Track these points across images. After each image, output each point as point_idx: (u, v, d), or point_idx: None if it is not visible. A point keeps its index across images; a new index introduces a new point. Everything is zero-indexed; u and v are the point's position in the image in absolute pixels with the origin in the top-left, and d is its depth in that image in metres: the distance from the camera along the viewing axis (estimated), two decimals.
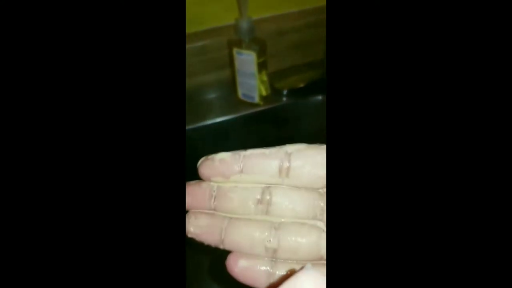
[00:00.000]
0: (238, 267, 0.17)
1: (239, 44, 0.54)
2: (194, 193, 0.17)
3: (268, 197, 0.17)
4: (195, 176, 0.18)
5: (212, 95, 0.62)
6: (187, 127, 0.56)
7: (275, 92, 0.60)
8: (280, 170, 0.17)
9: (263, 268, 0.17)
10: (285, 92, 0.59)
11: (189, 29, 0.58)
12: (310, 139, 0.18)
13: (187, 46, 0.57)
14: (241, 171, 0.17)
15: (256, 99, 0.58)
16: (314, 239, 0.16)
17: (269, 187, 0.17)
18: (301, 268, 0.14)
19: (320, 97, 0.59)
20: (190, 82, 0.61)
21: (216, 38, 0.58)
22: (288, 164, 0.16)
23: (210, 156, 0.17)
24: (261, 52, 0.54)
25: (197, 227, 0.17)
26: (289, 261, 0.17)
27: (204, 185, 0.17)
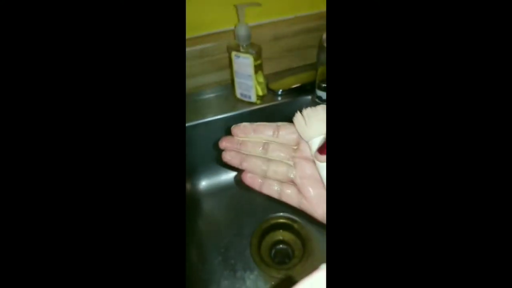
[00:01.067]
0: (247, 177, 0.31)
1: (237, 48, 0.57)
2: (229, 141, 0.31)
3: (267, 146, 0.31)
4: (201, 162, 0.22)
5: (212, 95, 0.66)
6: (189, 124, 0.60)
7: (271, 92, 0.64)
8: (273, 134, 0.31)
9: (260, 180, 0.31)
10: (280, 92, 0.64)
11: (192, 33, 0.61)
12: None
13: (189, 49, 0.61)
14: (253, 132, 0.31)
15: (253, 98, 0.61)
16: (286, 169, 0.30)
17: (267, 142, 0.31)
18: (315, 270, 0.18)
19: (309, 97, 0.64)
20: (192, 82, 0.64)
21: (216, 42, 0.61)
22: (277, 132, 0.31)
23: (239, 124, 0.31)
24: (258, 55, 0.58)
25: (230, 156, 0.31)
26: (273, 179, 0.31)
27: (234, 138, 0.31)
